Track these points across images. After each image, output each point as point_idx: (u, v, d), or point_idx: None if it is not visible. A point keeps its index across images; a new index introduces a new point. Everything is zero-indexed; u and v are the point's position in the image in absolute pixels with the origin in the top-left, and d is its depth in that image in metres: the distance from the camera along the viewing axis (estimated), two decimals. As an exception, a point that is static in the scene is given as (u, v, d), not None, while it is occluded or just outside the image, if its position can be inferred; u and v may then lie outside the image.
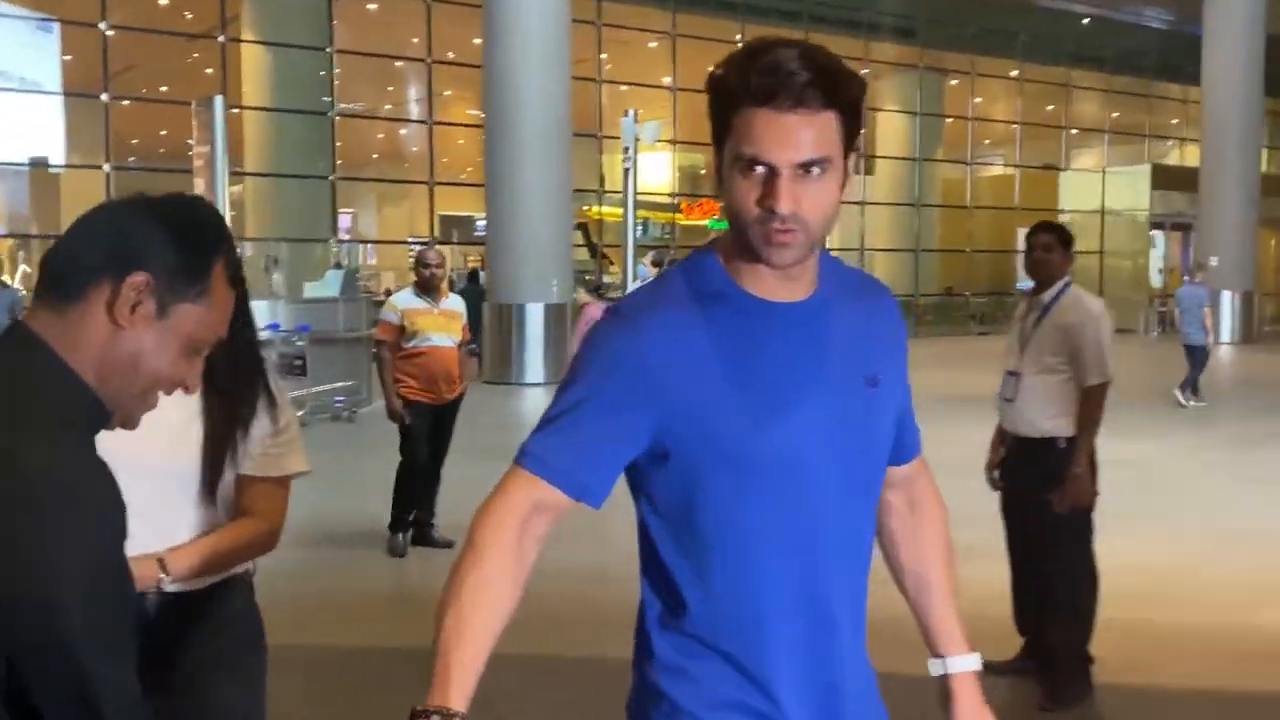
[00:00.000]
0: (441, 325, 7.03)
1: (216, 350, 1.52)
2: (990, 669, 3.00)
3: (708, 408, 1.51)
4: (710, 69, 1.52)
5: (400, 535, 7.00)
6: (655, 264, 16.51)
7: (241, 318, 1.92)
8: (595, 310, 9.77)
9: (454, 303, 7.28)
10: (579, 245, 19.66)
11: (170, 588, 2.09)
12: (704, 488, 1.53)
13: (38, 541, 1.22)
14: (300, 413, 11.91)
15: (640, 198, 22.32)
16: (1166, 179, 27.62)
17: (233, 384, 2.16)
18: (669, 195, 26.41)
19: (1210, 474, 10.16)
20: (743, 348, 1.53)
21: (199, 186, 14.61)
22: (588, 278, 18.93)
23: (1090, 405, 4.43)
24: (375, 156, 27.13)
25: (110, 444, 1.37)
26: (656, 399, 1.50)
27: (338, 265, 17.59)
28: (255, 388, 2.21)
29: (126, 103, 20.87)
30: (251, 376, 2.22)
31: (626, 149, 16.76)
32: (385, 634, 5.41)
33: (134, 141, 23.23)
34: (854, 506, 1.61)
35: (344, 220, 26.04)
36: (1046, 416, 4.45)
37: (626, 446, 1.53)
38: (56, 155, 19.76)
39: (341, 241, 21.79)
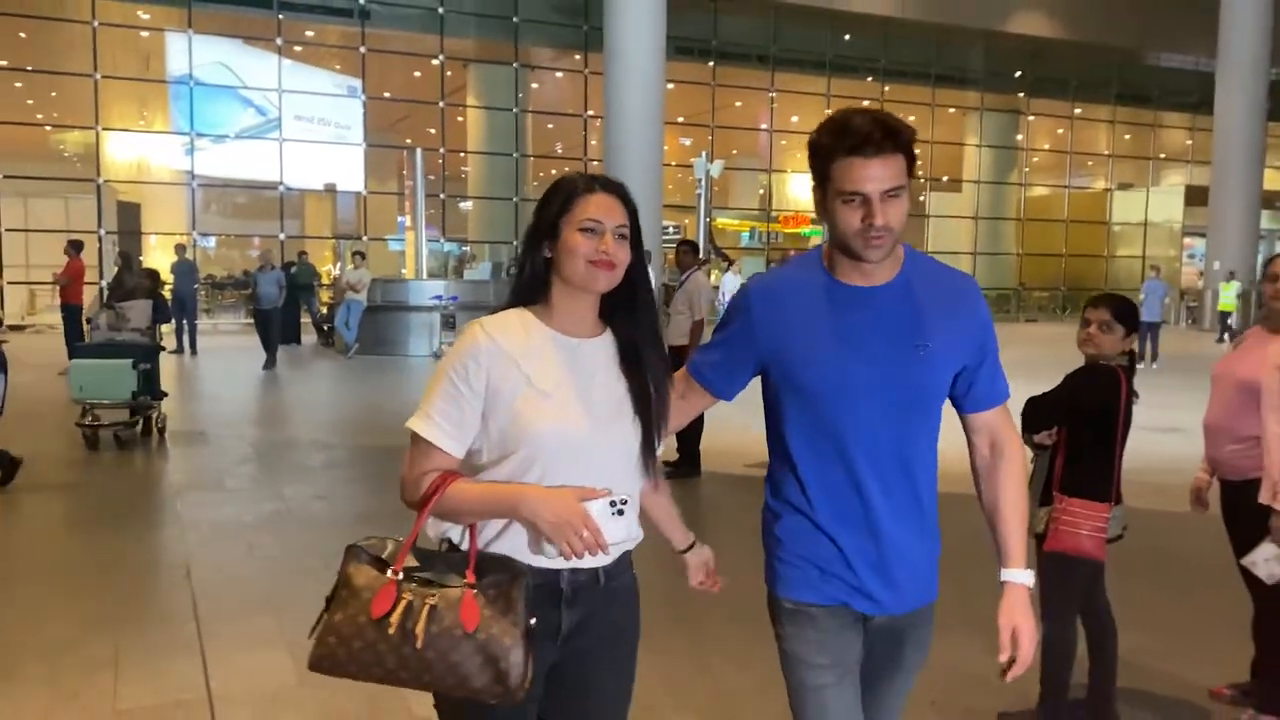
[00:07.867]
0: None
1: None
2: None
3: (783, 351, 1.83)
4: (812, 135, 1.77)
5: None
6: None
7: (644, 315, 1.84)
8: None
9: None
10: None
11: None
12: (780, 402, 1.87)
13: None
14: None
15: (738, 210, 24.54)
16: (1197, 197, 27.67)
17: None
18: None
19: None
20: (819, 312, 1.81)
21: (407, 207, 18.12)
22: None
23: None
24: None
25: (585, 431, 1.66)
26: (754, 339, 1.87)
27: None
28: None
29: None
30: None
31: (699, 179, 19.03)
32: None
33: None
34: (893, 422, 1.81)
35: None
36: None
37: (742, 368, 1.91)
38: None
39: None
